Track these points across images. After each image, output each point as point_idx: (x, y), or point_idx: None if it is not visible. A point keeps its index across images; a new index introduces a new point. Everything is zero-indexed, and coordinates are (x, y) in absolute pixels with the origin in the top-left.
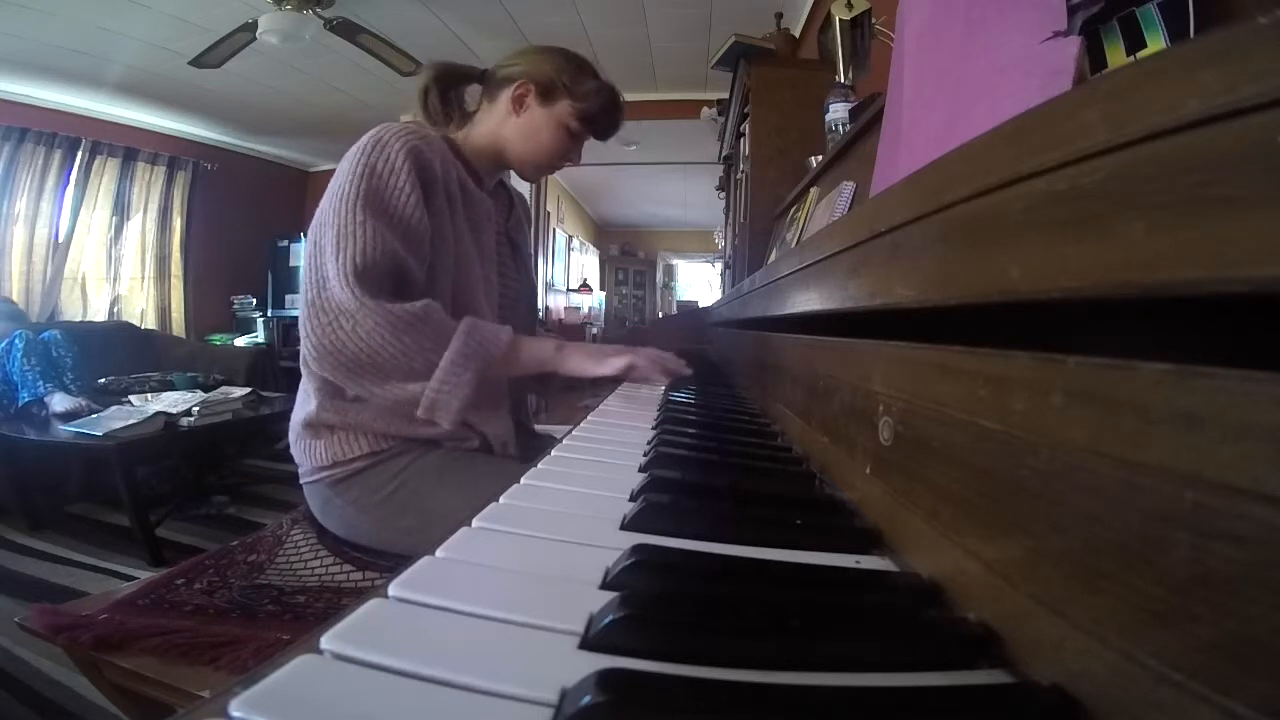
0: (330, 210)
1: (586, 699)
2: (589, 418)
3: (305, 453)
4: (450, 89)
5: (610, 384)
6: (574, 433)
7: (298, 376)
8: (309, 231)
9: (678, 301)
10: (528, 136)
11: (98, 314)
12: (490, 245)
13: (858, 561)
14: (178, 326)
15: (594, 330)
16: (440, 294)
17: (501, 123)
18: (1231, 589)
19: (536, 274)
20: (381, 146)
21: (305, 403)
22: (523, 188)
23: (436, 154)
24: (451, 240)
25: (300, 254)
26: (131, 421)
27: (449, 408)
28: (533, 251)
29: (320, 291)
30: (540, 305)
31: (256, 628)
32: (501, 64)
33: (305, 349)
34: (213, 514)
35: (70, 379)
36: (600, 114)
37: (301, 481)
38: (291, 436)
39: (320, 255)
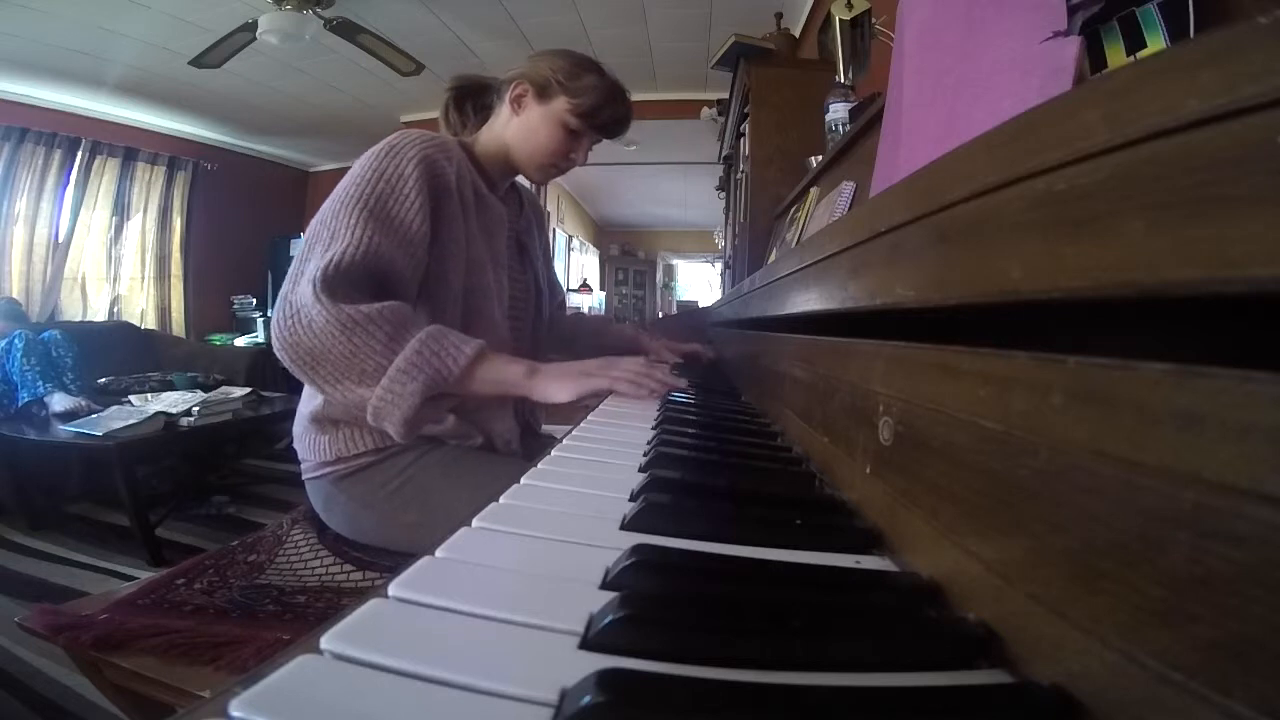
0: (330, 210)
1: (586, 699)
2: (589, 418)
3: (310, 447)
4: (465, 100)
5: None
6: (574, 433)
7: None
8: (309, 227)
9: (678, 301)
10: (527, 135)
11: (98, 314)
12: (502, 250)
13: (858, 561)
14: (178, 326)
15: None
16: (452, 297)
17: (505, 125)
18: (1231, 589)
19: (552, 271)
20: (395, 154)
21: (312, 396)
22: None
23: (453, 162)
24: (464, 245)
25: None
26: (131, 421)
27: (392, 418)
28: (548, 250)
29: (294, 286)
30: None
31: (256, 628)
32: (511, 70)
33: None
34: (213, 514)
35: (70, 379)
36: (598, 109)
37: (304, 477)
38: (296, 430)
39: (309, 251)
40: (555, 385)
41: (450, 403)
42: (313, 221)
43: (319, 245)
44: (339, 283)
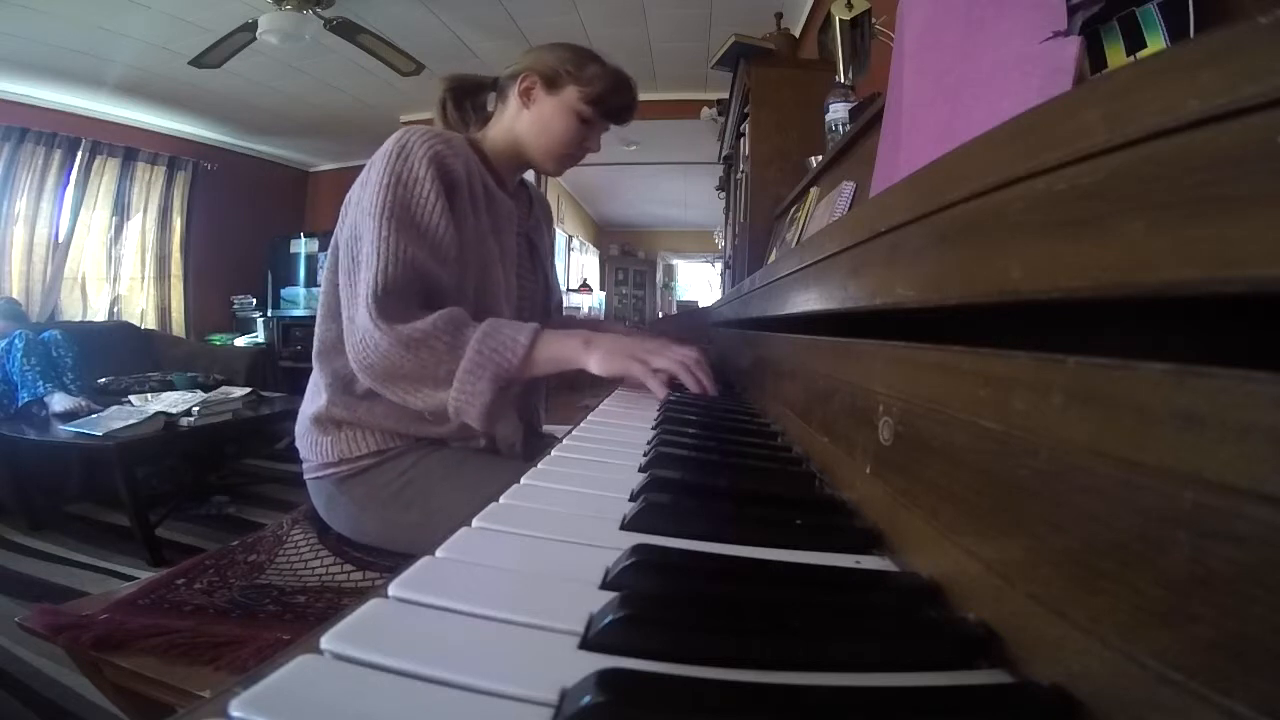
0: (361, 223)
1: (586, 699)
2: (589, 418)
3: (312, 448)
4: (464, 99)
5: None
6: (574, 433)
7: (297, 376)
8: (342, 239)
9: (678, 301)
10: (540, 127)
11: (98, 314)
12: (511, 247)
13: (858, 562)
14: (178, 326)
15: None
16: (464, 295)
17: (515, 119)
18: (1231, 589)
19: (553, 270)
20: (405, 155)
21: (315, 397)
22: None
23: (460, 157)
24: (474, 242)
25: (301, 248)
26: (131, 421)
27: (471, 414)
28: (552, 250)
29: (352, 310)
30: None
31: (256, 628)
32: (509, 67)
33: (350, 361)
34: (213, 514)
35: (70, 379)
36: (608, 95)
37: (306, 477)
38: (299, 431)
39: (355, 270)
40: (602, 359)
41: (523, 385)
42: (347, 233)
43: (363, 261)
44: (390, 302)
